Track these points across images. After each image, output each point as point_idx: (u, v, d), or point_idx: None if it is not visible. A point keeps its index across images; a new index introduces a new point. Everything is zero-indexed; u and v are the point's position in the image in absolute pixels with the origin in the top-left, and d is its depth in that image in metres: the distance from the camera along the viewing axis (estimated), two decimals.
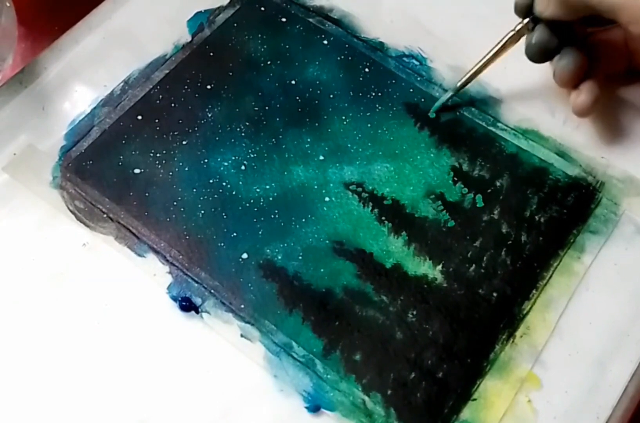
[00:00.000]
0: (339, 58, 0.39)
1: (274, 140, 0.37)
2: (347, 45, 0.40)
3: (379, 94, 0.38)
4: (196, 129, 0.37)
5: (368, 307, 0.33)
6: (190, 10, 0.40)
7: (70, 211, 0.35)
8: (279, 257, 0.34)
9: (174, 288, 0.33)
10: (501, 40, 0.36)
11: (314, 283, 0.33)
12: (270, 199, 0.35)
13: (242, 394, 0.31)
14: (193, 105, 0.37)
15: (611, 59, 0.37)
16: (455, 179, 0.36)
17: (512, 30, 0.35)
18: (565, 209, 0.35)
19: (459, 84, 0.37)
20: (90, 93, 0.38)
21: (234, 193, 0.35)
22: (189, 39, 0.40)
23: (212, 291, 0.33)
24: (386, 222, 0.35)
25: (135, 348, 0.32)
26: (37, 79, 0.38)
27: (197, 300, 0.33)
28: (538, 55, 0.35)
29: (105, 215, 0.35)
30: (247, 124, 0.37)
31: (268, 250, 0.34)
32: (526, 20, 0.35)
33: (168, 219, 0.34)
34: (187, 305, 0.32)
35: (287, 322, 0.32)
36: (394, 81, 0.38)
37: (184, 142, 0.36)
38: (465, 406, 0.31)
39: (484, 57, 0.36)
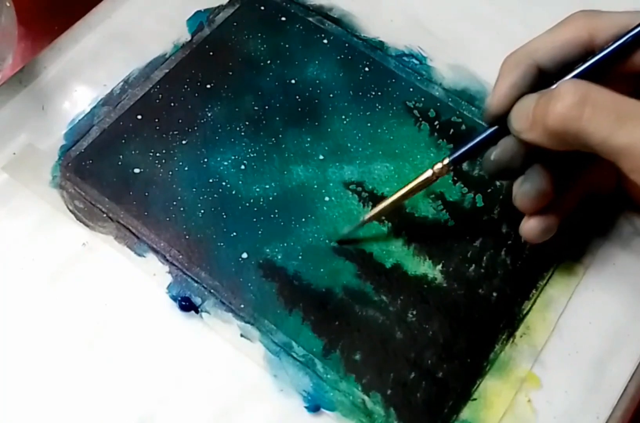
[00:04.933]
0: (338, 57, 0.39)
1: (273, 139, 0.37)
2: (347, 45, 0.39)
3: (379, 93, 0.38)
4: (196, 128, 0.37)
5: (368, 307, 0.33)
6: (190, 10, 0.40)
7: (70, 211, 0.35)
8: (279, 257, 0.34)
9: (173, 288, 0.33)
10: (415, 179, 0.31)
11: (314, 283, 0.33)
12: (270, 198, 0.35)
13: (242, 394, 0.31)
14: (193, 104, 0.37)
15: (595, 183, 0.32)
16: (455, 178, 0.36)
17: (429, 169, 0.31)
18: None
19: (366, 217, 0.33)
20: (90, 92, 0.38)
21: (233, 192, 0.35)
22: (189, 38, 0.39)
23: (212, 291, 0.33)
24: (386, 221, 0.35)
25: (135, 348, 0.32)
26: (36, 79, 0.38)
27: (197, 300, 0.33)
28: (496, 174, 0.30)
29: (104, 215, 0.34)
30: (247, 123, 0.37)
31: (268, 250, 0.34)
32: (446, 161, 0.30)
33: (168, 219, 0.34)
34: (187, 305, 0.32)
35: (287, 322, 0.32)
36: (393, 80, 0.38)
37: (184, 142, 0.36)
38: (465, 406, 0.31)
39: (397, 193, 0.32)
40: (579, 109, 0.25)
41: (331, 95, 0.38)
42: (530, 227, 0.31)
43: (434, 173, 0.30)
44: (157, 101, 0.37)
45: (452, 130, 0.37)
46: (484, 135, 0.30)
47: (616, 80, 0.27)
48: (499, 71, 0.29)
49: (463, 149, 0.30)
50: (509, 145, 0.29)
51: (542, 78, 0.28)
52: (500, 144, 0.29)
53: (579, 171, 0.31)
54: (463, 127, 0.37)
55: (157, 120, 0.37)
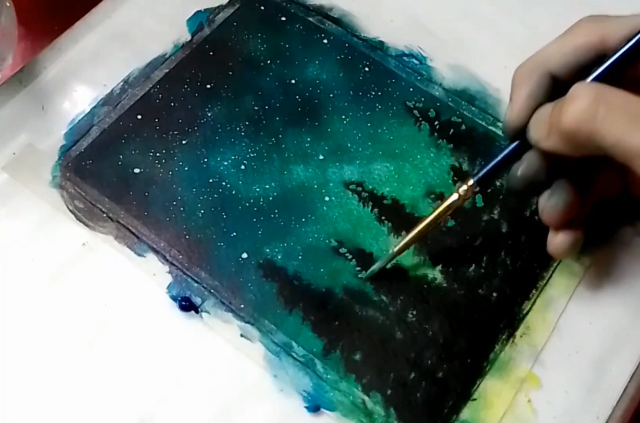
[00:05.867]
0: (338, 57, 0.39)
1: (273, 139, 0.37)
2: (347, 45, 0.39)
3: (379, 93, 0.38)
4: (196, 128, 0.37)
5: (368, 307, 0.33)
6: (190, 10, 0.40)
7: (70, 211, 0.35)
8: (279, 257, 0.34)
9: (173, 288, 0.33)
10: (442, 204, 0.31)
11: (314, 283, 0.33)
12: (270, 198, 0.35)
13: (242, 394, 0.31)
14: (193, 104, 0.37)
15: (604, 188, 0.32)
16: (455, 178, 0.36)
17: (455, 192, 0.30)
18: None
19: (395, 249, 0.32)
20: (90, 92, 0.38)
21: (233, 192, 0.35)
22: (189, 38, 0.39)
23: (212, 291, 0.33)
24: (386, 221, 0.35)
25: (135, 348, 0.32)
26: (36, 78, 0.38)
27: (197, 300, 0.33)
28: (523, 190, 0.29)
29: (104, 215, 0.34)
30: (247, 123, 0.37)
31: (268, 250, 0.34)
32: (470, 182, 0.30)
33: (168, 219, 0.34)
34: (187, 305, 0.32)
35: (287, 322, 0.32)
36: (393, 80, 0.38)
37: (184, 142, 0.36)
38: (465, 406, 0.31)
39: (423, 222, 0.31)
40: (593, 110, 0.24)
41: (331, 95, 0.38)
42: (560, 242, 0.30)
43: (460, 196, 0.30)
44: (157, 101, 0.37)
45: (452, 130, 0.37)
46: (507, 151, 0.29)
47: (629, 85, 0.26)
48: (512, 83, 0.29)
49: (487, 168, 0.30)
50: (533, 159, 0.29)
51: (557, 86, 0.28)
52: (524, 159, 0.29)
53: (591, 180, 0.31)
54: (463, 127, 0.37)
55: (157, 120, 0.37)
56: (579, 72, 0.28)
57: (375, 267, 0.33)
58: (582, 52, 0.28)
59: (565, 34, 0.29)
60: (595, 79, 0.27)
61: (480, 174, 0.30)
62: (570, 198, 0.29)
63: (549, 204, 0.30)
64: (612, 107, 0.24)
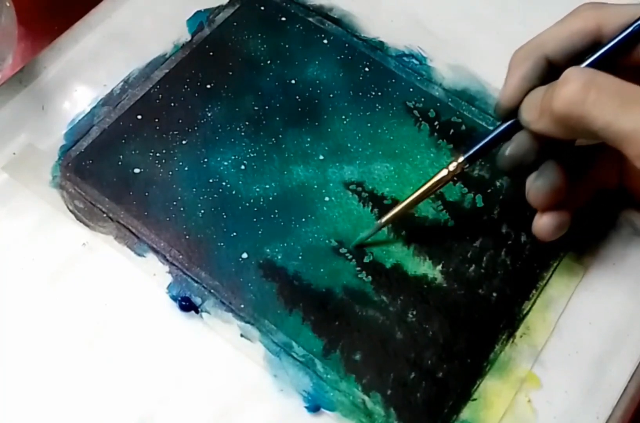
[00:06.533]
0: (338, 57, 0.39)
1: (273, 139, 0.37)
2: (347, 45, 0.39)
3: (379, 94, 0.38)
4: (196, 128, 0.37)
5: (368, 307, 0.33)
6: (190, 10, 0.40)
7: (70, 211, 0.35)
8: (279, 257, 0.34)
9: (173, 288, 0.33)
10: (431, 179, 0.31)
11: (314, 283, 0.33)
12: (270, 198, 0.35)
13: (242, 394, 0.31)
14: (193, 104, 0.37)
15: (600, 175, 0.32)
16: (455, 178, 0.36)
17: (444, 168, 0.31)
18: None
19: (383, 220, 0.32)
20: (90, 92, 0.38)
21: (233, 192, 0.35)
22: (189, 38, 0.39)
23: (212, 291, 0.33)
24: None
25: (135, 348, 0.32)
26: (36, 78, 0.38)
27: (197, 300, 0.33)
28: (511, 170, 0.30)
29: (105, 215, 0.34)
30: (247, 123, 0.37)
31: (268, 250, 0.34)
32: (461, 158, 0.30)
33: (168, 219, 0.34)
34: (187, 305, 0.32)
35: (287, 322, 0.32)
36: (393, 80, 0.38)
37: (184, 142, 0.36)
38: (465, 406, 0.31)
39: (413, 195, 0.32)
40: (584, 93, 0.25)
41: (331, 95, 0.38)
42: (543, 223, 0.30)
43: (449, 172, 0.31)
44: (157, 101, 0.37)
45: (452, 131, 0.37)
46: (498, 130, 0.30)
47: (622, 73, 0.26)
48: (509, 65, 0.30)
49: (477, 146, 0.30)
50: (522, 140, 0.29)
51: (552, 71, 0.28)
52: (514, 139, 0.29)
53: (586, 166, 0.31)
54: (463, 127, 0.37)
55: (157, 120, 0.37)
56: (575, 57, 0.28)
57: (362, 235, 0.33)
58: (579, 38, 0.28)
59: (563, 20, 0.29)
60: (590, 65, 0.27)
61: (471, 152, 0.30)
62: (558, 181, 0.29)
63: (535, 185, 0.30)
64: (602, 91, 0.25)
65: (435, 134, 0.37)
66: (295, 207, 0.35)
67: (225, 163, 0.36)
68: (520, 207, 0.35)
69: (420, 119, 0.37)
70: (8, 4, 0.38)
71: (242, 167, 0.36)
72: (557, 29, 0.29)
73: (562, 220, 0.30)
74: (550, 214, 0.30)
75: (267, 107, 0.37)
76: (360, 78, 0.38)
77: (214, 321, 0.32)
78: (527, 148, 0.29)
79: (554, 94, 0.26)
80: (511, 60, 0.30)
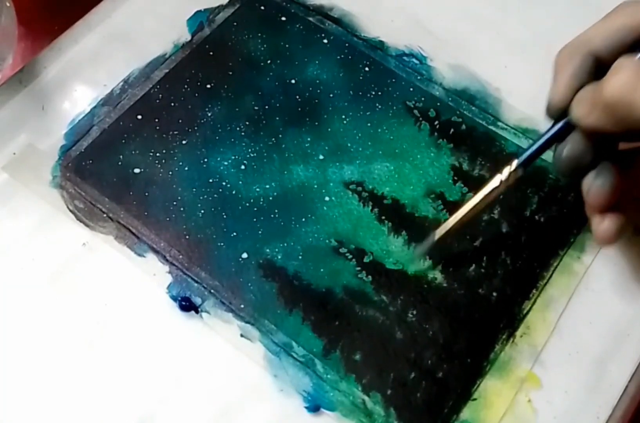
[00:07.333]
0: (338, 57, 0.39)
1: (273, 139, 0.37)
2: (347, 44, 0.39)
3: (379, 93, 0.38)
4: (196, 128, 0.37)
5: (368, 307, 0.33)
6: (190, 9, 0.40)
7: (70, 211, 0.35)
8: (279, 257, 0.34)
9: (173, 288, 0.33)
10: (481, 191, 0.30)
11: (314, 283, 0.33)
12: (270, 198, 0.35)
13: (242, 394, 0.31)
14: (193, 104, 0.37)
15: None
16: (456, 178, 0.36)
17: (498, 173, 0.30)
18: (566, 208, 0.35)
19: (436, 238, 0.32)
20: (90, 92, 0.38)
21: (233, 192, 0.35)
22: (189, 38, 0.39)
23: (212, 291, 0.33)
24: (386, 221, 0.35)
25: (135, 348, 0.32)
26: (36, 78, 0.38)
27: (197, 300, 0.33)
28: (569, 171, 0.29)
29: (105, 215, 0.34)
30: (247, 123, 0.37)
31: (268, 250, 0.34)
32: (514, 165, 0.30)
33: (168, 219, 0.34)
34: (187, 305, 0.32)
35: (287, 322, 0.32)
36: (394, 80, 0.38)
37: (184, 142, 0.36)
38: (465, 406, 0.31)
39: (464, 208, 0.31)
40: (634, 81, 0.25)
41: (331, 95, 0.38)
42: (607, 228, 0.30)
43: (501, 182, 0.30)
44: (157, 101, 0.37)
45: (452, 130, 0.37)
46: (551, 132, 0.29)
47: None
48: (555, 64, 0.29)
49: (531, 150, 0.30)
50: (577, 140, 0.29)
51: (600, 68, 0.28)
52: (568, 140, 0.29)
53: (633, 163, 0.31)
54: (463, 126, 0.37)
55: (157, 120, 0.37)
56: (621, 53, 0.28)
57: (418, 252, 0.33)
58: (625, 33, 0.28)
59: (607, 17, 0.29)
60: None
61: (524, 157, 0.30)
62: (616, 180, 0.29)
63: (596, 184, 0.29)
64: None
65: (436, 133, 0.37)
66: (295, 207, 0.35)
67: (225, 163, 0.36)
68: (520, 207, 0.35)
69: (421, 119, 0.37)
70: (8, 4, 0.38)
71: (242, 167, 0.36)
72: (602, 25, 0.29)
73: (622, 222, 0.30)
74: (610, 217, 0.30)
75: (267, 107, 0.37)
76: (361, 78, 0.38)
77: (214, 321, 0.32)
78: (583, 148, 0.29)
79: (605, 83, 0.26)
80: (557, 60, 0.29)
